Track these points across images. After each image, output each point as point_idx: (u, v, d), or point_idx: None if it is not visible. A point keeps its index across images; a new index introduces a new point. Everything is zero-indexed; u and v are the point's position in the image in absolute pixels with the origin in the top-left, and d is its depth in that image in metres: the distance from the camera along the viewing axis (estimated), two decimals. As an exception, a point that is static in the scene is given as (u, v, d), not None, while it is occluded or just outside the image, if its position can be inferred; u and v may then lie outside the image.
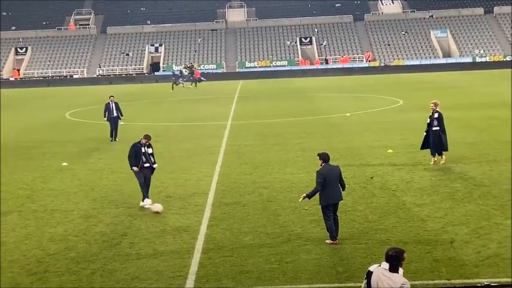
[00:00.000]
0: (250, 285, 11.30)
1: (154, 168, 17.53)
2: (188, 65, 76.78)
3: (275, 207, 16.31)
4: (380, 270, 8.01)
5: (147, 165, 17.34)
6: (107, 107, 29.38)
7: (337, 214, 13.61)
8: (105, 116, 29.38)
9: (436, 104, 21.03)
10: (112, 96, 29.90)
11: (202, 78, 70.52)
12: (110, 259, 12.86)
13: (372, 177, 19.30)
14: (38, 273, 12.25)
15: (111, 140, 28.85)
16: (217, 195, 17.87)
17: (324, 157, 13.56)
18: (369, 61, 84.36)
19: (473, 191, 17.34)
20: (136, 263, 12.59)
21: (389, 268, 7.97)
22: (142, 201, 17.15)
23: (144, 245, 13.68)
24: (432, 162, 20.85)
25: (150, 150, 17.54)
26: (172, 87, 63.58)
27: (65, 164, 23.36)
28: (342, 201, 13.67)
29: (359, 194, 17.36)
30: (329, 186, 13.23)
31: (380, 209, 15.78)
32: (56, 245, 13.88)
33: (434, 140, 20.80)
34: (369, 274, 8.04)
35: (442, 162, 20.87)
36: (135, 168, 17.24)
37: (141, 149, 17.33)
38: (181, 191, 18.56)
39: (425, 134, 21.11)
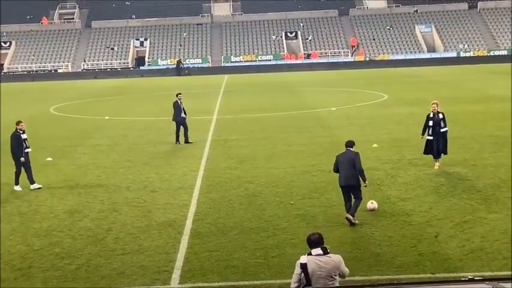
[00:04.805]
0: (236, 280, 11.31)
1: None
2: None
3: (260, 202, 16.32)
4: (313, 258, 7.96)
5: (27, 150, 18.27)
6: (177, 107, 25.75)
7: (355, 196, 14.19)
8: (177, 118, 25.68)
9: (437, 104, 19.25)
10: (180, 93, 26.45)
11: None
12: (94, 254, 12.82)
13: (357, 172, 19.31)
14: (23, 268, 12.20)
15: (177, 143, 25.51)
16: (203, 190, 17.85)
17: (346, 143, 14.81)
18: (353, 46, 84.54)
19: (457, 185, 17.44)
20: (122, 258, 12.56)
21: (323, 252, 8.03)
22: (17, 185, 18.25)
23: (129, 240, 13.65)
24: (437, 167, 19.15)
25: (25, 136, 18.33)
26: None
27: (49, 159, 23.23)
28: (355, 184, 14.17)
29: (344, 188, 17.36)
30: (340, 169, 14.33)
31: (365, 204, 15.81)
32: (41, 241, 13.82)
33: (443, 143, 19.24)
34: (304, 266, 7.92)
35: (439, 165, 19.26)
36: (22, 159, 18.03)
37: (21, 137, 17.97)
38: (167, 186, 18.53)
39: (429, 137, 19.18)
